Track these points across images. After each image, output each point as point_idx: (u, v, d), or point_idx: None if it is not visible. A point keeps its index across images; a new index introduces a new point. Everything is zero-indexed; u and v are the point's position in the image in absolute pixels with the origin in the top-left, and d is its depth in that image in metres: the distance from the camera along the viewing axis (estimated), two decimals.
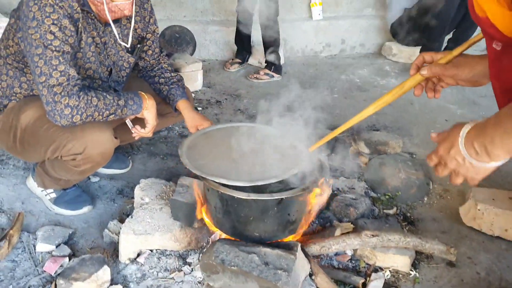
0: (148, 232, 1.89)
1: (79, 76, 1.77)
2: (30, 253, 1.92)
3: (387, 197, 2.46)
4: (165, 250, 1.92)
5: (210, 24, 4.53)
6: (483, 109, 3.68)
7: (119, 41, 2.00)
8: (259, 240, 1.68)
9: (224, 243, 1.64)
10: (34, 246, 1.96)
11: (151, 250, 1.92)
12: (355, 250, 1.98)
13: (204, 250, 1.82)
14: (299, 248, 1.67)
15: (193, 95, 3.66)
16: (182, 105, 2.18)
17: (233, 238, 1.75)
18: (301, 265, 1.68)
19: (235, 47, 4.37)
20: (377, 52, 4.98)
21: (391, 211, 2.36)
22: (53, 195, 2.21)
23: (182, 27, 4.30)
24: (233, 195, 1.57)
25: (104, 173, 2.53)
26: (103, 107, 1.82)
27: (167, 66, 2.31)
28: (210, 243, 1.89)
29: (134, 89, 2.07)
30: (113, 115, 1.88)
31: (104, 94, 1.84)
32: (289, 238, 1.82)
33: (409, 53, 4.64)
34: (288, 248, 1.66)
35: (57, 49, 1.70)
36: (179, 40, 4.28)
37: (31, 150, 1.97)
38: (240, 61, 4.31)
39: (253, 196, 1.56)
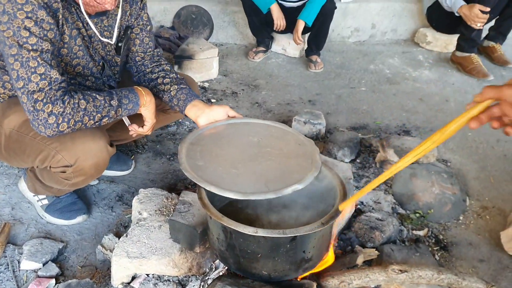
0: (143, 255, 1.66)
1: (63, 78, 1.50)
2: (13, 271, 1.72)
3: (417, 215, 2.18)
4: (163, 275, 1.71)
5: (230, 4, 4.17)
6: None
7: (101, 38, 1.72)
8: (267, 280, 1.44)
9: (226, 283, 1.40)
10: (19, 262, 1.76)
11: (147, 274, 1.71)
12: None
13: (206, 280, 1.60)
14: None
15: (207, 85, 3.38)
16: (198, 104, 1.80)
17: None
18: None
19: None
20: (409, 39, 4.57)
21: (421, 233, 2.08)
22: (45, 201, 2.00)
23: (199, 7, 4.00)
24: (238, 229, 1.32)
25: (104, 174, 2.30)
26: (93, 110, 1.55)
27: (169, 68, 1.96)
28: (213, 270, 1.67)
29: (130, 84, 1.81)
30: (107, 118, 1.62)
31: (94, 95, 1.57)
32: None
33: (445, 42, 4.24)
34: None
35: (34, 48, 1.43)
36: (195, 22, 3.99)
37: (18, 159, 1.74)
38: (264, 49, 3.93)
39: (261, 233, 1.30)
